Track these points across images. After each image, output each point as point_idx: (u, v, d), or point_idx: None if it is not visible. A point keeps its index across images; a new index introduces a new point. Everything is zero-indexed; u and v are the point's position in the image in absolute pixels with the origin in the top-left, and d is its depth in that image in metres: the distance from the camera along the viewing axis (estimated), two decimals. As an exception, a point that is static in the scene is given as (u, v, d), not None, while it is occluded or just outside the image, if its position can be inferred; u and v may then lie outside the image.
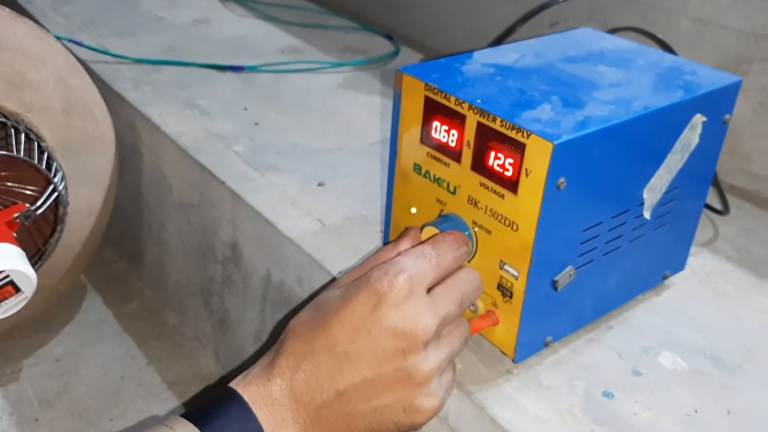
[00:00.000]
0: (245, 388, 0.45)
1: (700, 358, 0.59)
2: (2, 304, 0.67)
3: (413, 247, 0.51)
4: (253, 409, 0.44)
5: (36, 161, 0.73)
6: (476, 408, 0.53)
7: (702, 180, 0.64)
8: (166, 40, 1.15)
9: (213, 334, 0.87)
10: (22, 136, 0.72)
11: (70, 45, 1.04)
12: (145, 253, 0.99)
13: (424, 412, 0.47)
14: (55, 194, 0.76)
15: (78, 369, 0.87)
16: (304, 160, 0.84)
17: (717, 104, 0.60)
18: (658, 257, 0.64)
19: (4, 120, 0.72)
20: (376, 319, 0.45)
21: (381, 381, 0.45)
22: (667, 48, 0.76)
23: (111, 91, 0.96)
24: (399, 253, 0.50)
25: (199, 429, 0.42)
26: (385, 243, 0.64)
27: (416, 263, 0.48)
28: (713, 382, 0.57)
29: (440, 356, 0.47)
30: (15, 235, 0.70)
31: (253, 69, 1.05)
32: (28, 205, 0.73)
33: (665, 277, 0.66)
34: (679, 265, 0.67)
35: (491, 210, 0.53)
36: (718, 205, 0.77)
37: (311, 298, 0.69)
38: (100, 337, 0.92)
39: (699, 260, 0.71)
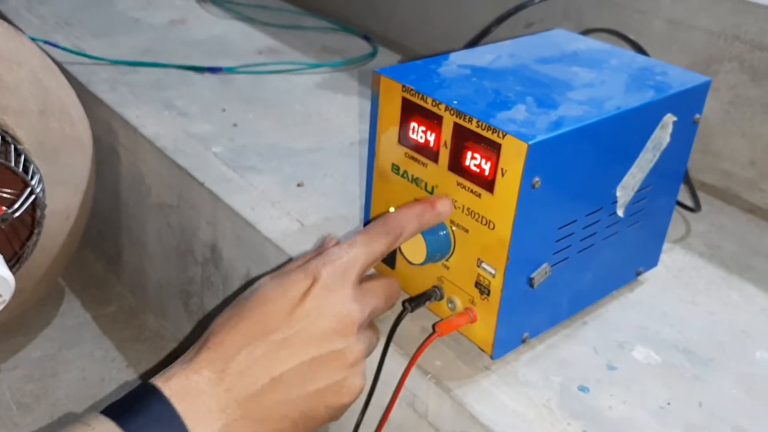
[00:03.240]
0: (166, 382, 0.45)
1: (673, 351, 0.60)
2: (-21, 307, 0.67)
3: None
4: (174, 403, 0.44)
5: (12, 164, 0.73)
6: (455, 404, 0.54)
7: (673, 178, 0.65)
8: (142, 41, 1.15)
9: (193, 336, 0.87)
10: (-1, 138, 0.72)
11: (46, 46, 1.03)
12: (123, 255, 0.99)
13: (354, 392, 0.49)
14: (33, 197, 0.75)
15: (57, 372, 0.87)
16: (284, 160, 0.84)
17: (687, 104, 0.61)
18: (632, 254, 0.65)
19: (-21, 122, 0.72)
20: (312, 303, 0.46)
21: (317, 363, 0.47)
22: (638, 49, 0.77)
23: (87, 92, 0.96)
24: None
25: (118, 425, 0.42)
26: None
27: (349, 251, 0.49)
28: (686, 374, 0.58)
29: (368, 339, 0.51)
30: (-8, 238, 0.70)
31: (231, 70, 1.05)
32: (5, 208, 0.73)
33: (639, 273, 0.67)
34: (652, 262, 0.68)
35: (468, 209, 0.54)
36: (689, 202, 0.79)
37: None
38: (79, 340, 0.92)
39: (671, 256, 0.73)
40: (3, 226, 0.72)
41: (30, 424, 0.80)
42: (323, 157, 0.86)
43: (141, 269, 0.96)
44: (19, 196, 0.76)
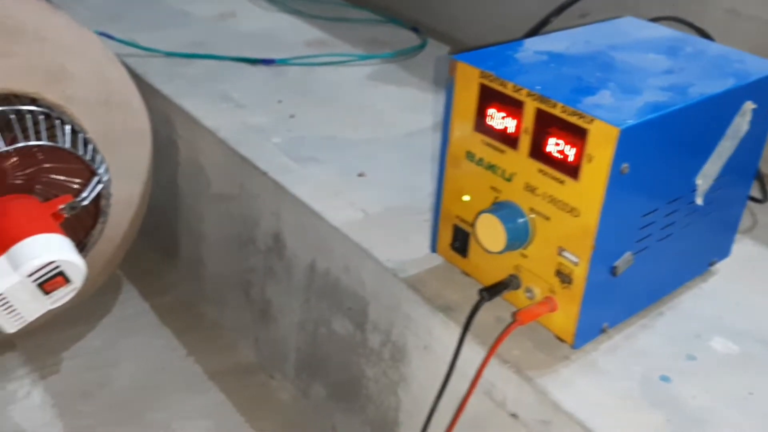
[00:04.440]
0: None
1: (750, 341, 0.60)
2: (52, 294, 0.67)
3: None
4: None
5: (81, 153, 0.73)
6: (537, 393, 0.54)
7: (748, 167, 0.64)
8: (193, 33, 1.15)
9: (253, 325, 0.88)
10: (67, 127, 0.73)
11: (100, 38, 1.04)
12: (180, 245, 1.00)
13: None
14: (100, 186, 0.76)
15: (118, 361, 0.88)
16: (342, 151, 0.85)
17: (765, 92, 0.60)
18: (706, 244, 0.64)
19: (48, 111, 0.72)
20: None
21: None
22: (706, 38, 0.76)
23: (144, 84, 0.96)
24: None
25: None
26: (434, 231, 0.65)
27: None
28: (765, 364, 0.57)
29: None
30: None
31: (283, 62, 1.06)
32: (73, 197, 0.74)
33: (712, 264, 0.66)
34: (724, 252, 0.68)
35: (550, 196, 0.53)
36: (757, 194, 0.77)
37: (358, 286, 0.69)
38: (138, 329, 0.92)
39: (740, 247, 0.71)
40: (71, 215, 0.73)
41: (94, 412, 0.81)
42: (380, 148, 0.86)
43: (198, 259, 0.96)
44: (84, 186, 0.77)
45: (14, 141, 0.69)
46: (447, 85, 0.58)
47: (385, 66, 1.09)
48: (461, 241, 0.61)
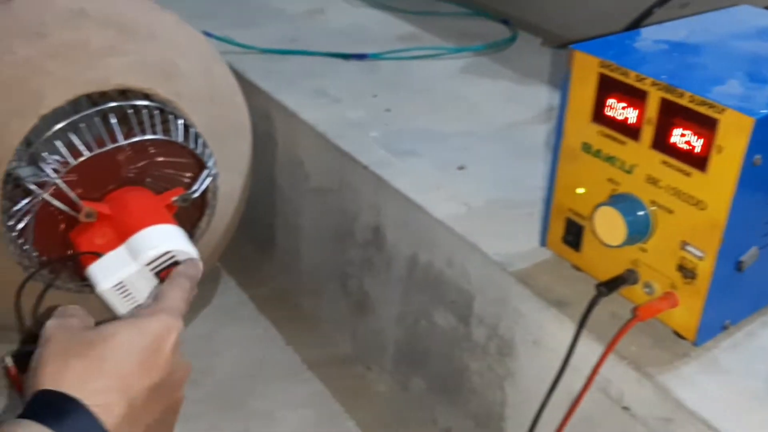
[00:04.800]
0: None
1: None
2: (168, 283, 0.70)
3: None
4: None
5: (192, 147, 0.76)
6: (658, 390, 0.52)
7: None
8: (284, 30, 1.17)
9: (350, 317, 0.89)
10: (180, 122, 0.75)
11: (200, 37, 1.07)
12: (276, 238, 1.02)
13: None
14: (209, 179, 0.78)
15: (220, 350, 0.90)
16: (439, 144, 0.85)
17: None
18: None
19: (162, 106, 0.75)
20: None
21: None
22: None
23: (244, 80, 0.99)
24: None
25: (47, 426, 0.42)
26: (544, 225, 0.64)
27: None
28: None
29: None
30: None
31: (376, 56, 1.06)
32: (184, 189, 0.76)
33: (837, 260, 0.63)
34: None
35: (674, 188, 0.52)
36: None
37: (463, 279, 0.69)
38: (238, 319, 0.95)
39: None
40: (183, 206, 0.75)
41: (200, 399, 0.83)
42: (478, 141, 0.86)
43: (295, 252, 0.98)
44: (193, 179, 0.80)
45: (130, 135, 0.72)
46: (563, 76, 0.57)
47: (477, 59, 1.09)
48: (574, 235, 0.61)
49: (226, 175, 0.86)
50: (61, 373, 0.44)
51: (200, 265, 0.63)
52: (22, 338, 0.64)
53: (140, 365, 0.47)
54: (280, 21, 1.21)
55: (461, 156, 0.81)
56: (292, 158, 0.94)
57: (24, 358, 0.48)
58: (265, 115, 0.96)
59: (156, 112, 0.73)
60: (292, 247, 0.98)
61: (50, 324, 0.47)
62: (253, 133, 0.93)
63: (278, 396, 0.84)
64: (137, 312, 0.51)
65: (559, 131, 0.59)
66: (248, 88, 0.97)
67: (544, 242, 0.64)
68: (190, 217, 0.84)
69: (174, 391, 0.51)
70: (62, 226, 0.72)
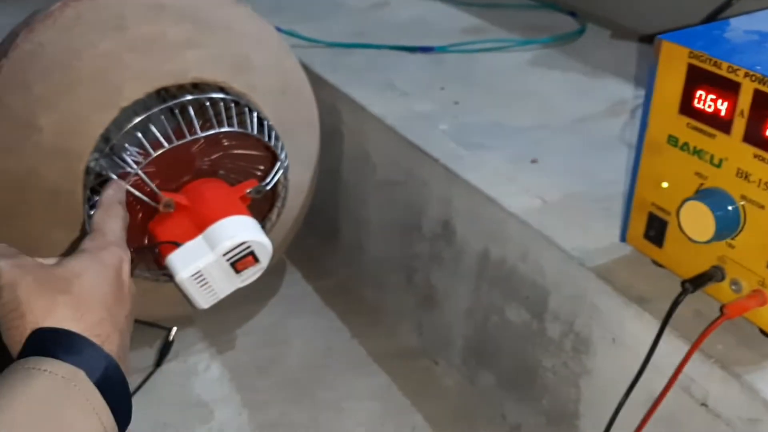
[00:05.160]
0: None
1: None
2: (242, 273, 0.71)
3: None
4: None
5: (266, 139, 0.77)
6: (746, 390, 0.51)
7: None
8: (349, 24, 1.17)
9: (416, 310, 0.89)
10: (255, 115, 0.76)
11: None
12: (341, 230, 1.02)
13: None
14: (281, 172, 0.79)
15: (287, 339, 0.91)
16: (510, 137, 0.84)
17: None
18: None
19: (237, 99, 0.76)
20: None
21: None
22: None
23: (311, 73, 0.99)
24: None
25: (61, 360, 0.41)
26: (624, 220, 0.62)
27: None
28: None
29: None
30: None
31: (442, 49, 1.06)
32: (257, 181, 0.77)
33: None
34: None
35: (766, 183, 0.50)
36: None
37: (537, 274, 0.68)
38: (304, 310, 0.96)
39: None
40: (257, 198, 0.76)
41: (268, 387, 0.84)
42: (550, 135, 0.84)
43: (359, 244, 0.98)
44: (264, 172, 0.80)
45: (206, 127, 0.73)
46: (649, 67, 0.56)
47: (546, 51, 1.07)
48: (656, 230, 0.59)
49: (296, 168, 0.86)
50: (53, 309, 0.44)
51: (124, 186, 0.63)
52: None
53: (114, 297, 0.47)
54: (346, 15, 1.22)
55: (533, 149, 0.80)
56: (358, 151, 0.94)
57: None
58: (332, 108, 0.96)
59: (231, 104, 0.74)
60: (357, 240, 0.99)
61: (4, 264, 0.45)
62: (320, 126, 0.94)
63: (345, 387, 0.84)
64: (86, 246, 0.50)
65: (643, 123, 0.58)
66: (315, 81, 0.98)
67: (624, 237, 0.63)
68: (261, 209, 0.85)
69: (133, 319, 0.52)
70: (140, 216, 0.74)
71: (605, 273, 0.61)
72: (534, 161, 0.78)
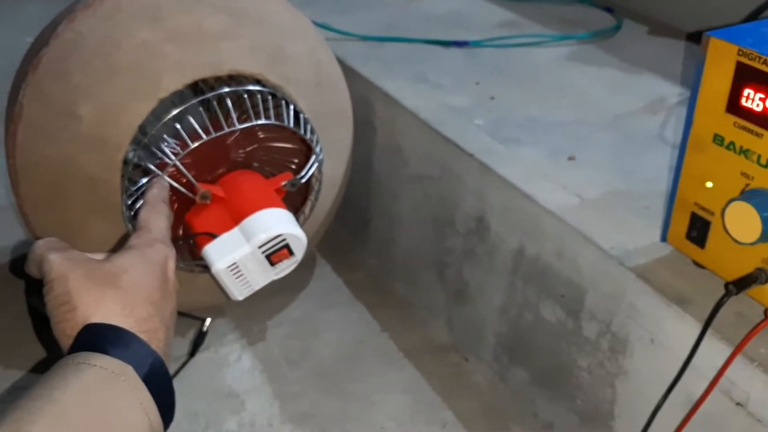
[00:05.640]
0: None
1: None
2: (277, 265, 0.71)
3: None
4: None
5: (301, 132, 0.76)
6: (792, 396, 0.50)
7: None
8: (383, 16, 1.17)
9: (447, 305, 0.88)
10: (292, 108, 0.76)
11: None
12: (371, 224, 1.02)
13: None
14: (316, 164, 0.79)
15: (318, 332, 0.91)
16: (547, 133, 0.83)
17: None
18: None
19: (273, 91, 0.76)
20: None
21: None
22: None
23: (344, 66, 0.99)
24: None
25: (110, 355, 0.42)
26: (666, 219, 0.61)
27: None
28: None
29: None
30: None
31: (477, 44, 1.05)
32: (292, 174, 0.77)
33: None
34: None
35: (817, 185, 0.49)
36: None
37: (574, 272, 0.67)
38: (334, 303, 0.96)
39: None
40: (292, 191, 0.76)
41: (299, 379, 0.84)
42: (587, 131, 0.83)
43: (390, 238, 0.98)
44: (298, 164, 0.80)
45: (242, 119, 0.73)
46: (696, 64, 0.55)
47: (582, 47, 1.06)
48: (699, 231, 0.58)
49: (329, 161, 0.86)
50: (102, 303, 0.44)
51: (167, 184, 0.64)
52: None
53: (160, 292, 0.48)
54: (378, 7, 1.21)
55: (570, 145, 0.79)
56: (391, 144, 0.94)
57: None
58: (365, 102, 0.96)
59: (268, 97, 0.74)
60: (388, 234, 0.98)
61: (56, 258, 0.46)
62: (353, 119, 0.93)
63: (375, 380, 0.84)
64: (132, 243, 0.51)
65: (688, 121, 0.57)
66: (348, 74, 0.98)
67: (664, 237, 0.62)
68: (294, 201, 0.85)
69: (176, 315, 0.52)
70: (176, 207, 0.74)
71: (645, 273, 0.61)
72: (571, 158, 0.77)
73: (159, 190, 0.60)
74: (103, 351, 0.41)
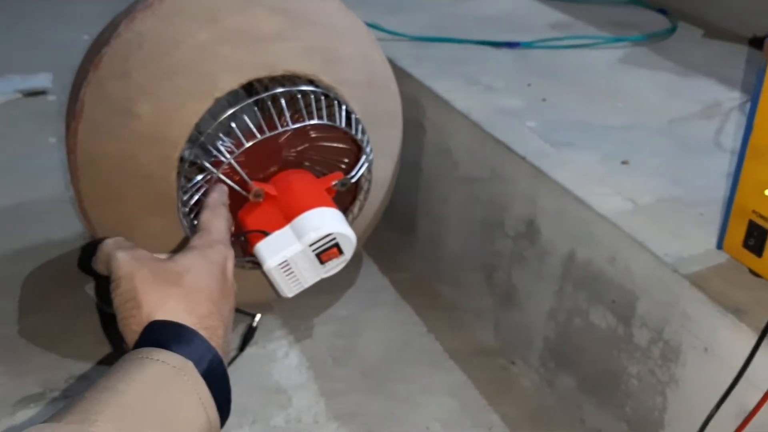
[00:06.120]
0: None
1: None
2: (327, 264, 0.72)
3: None
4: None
5: (353, 132, 0.77)
6: None
7: None
8: (434, 17, 1.17)
9: (494, 309, 0.88)
10: (344, 108, 0.77)
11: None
12: (418, 225, 1.02)
13: None
14: (366, 165, 0.80)
15: (363, 331, 0.92)
16: (600, 137, 0.82)
17: None
18: None
19: (326, 92, 0.76)
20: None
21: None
22: None
23: (395, 67, 0.99)
24: None
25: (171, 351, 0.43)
26: (723, 227, 0.60)
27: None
28: None
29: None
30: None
31: (528, 45, 1.04)
32: (343, 173, 0.78)
33: None
34: None
35: None
36: None
37: (626, 278, 0.67)
38: (380, 303, 0.96)
39: None
40: (342, 190, 0.77)
41: (345, 377, 0.85)
42: (642, 135, 0.82)
43: (437, 240, 0.98)
44: (348, 164, 0.81)
45: (295, 119, 0.74)
46: (758, 69, 0.54)
47: (635, 49, 1.04)
48: (757, 239, 0.57)
49: (378, 162, 0.87)
50: (166, 300, 0.46)
51: (226, 189, 0.65)
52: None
53: (220, 291, 0.49)
54: (428, 7, 1.21)
55: (624, 149, 0.79)
56: (440, 146, 0.94)
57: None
58: (414, 102, 0.96)
59: (321, 97, 0.75)
60: (435, 235, 0.99)
61: (123, 256, 0.48)
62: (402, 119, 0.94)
63: (420, 382, 0.84)
64: (194, 244, 0.52)
65: (748, 128, 0.56)
66: (399, 74, 0.98)
67: (720, 245, 0.61)
68: (343, 201, 0.86)
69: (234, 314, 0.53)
70: (228, 204, 0.75)
71: (699, 281, 0.60)
72: (625, 162, 0.76)
73: (219, 194, 0.61)
74: (166, 347, 0.42)
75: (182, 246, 0.55)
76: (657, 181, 0.73)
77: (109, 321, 0.88)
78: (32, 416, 0.78)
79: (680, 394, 0.63)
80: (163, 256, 0.51)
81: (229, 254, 0.53)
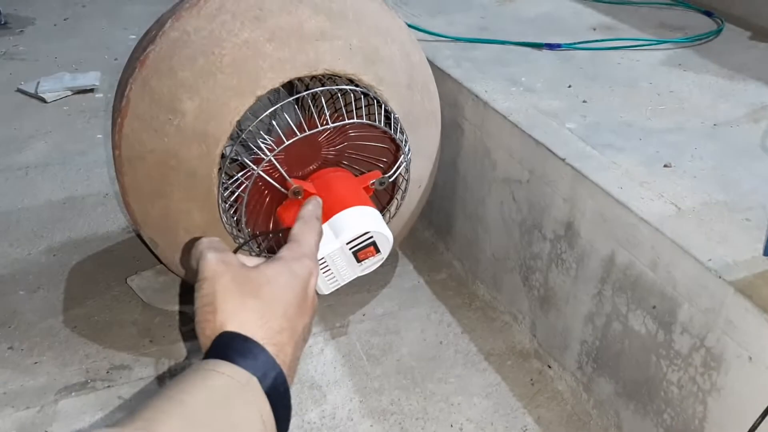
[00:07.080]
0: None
1: None
2: (363, 262, 0.72)
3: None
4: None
5: (392, 132, 0.77)
6: None
7: None
8: (476, 18, 1.17)
9: (531, 311, 0.87)
10: (383, 108, 0.77)
11: (393, 23, 1.08)
12: (455, 226, 1.02)
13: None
14: (404, 164, 0.80)
15: (399, 330, 0.92)
16: (642, 139, 0.81)
17: None
18: None
19: (366, 91, 0.77)
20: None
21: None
22: None
23: (434, 68, 0.99)
24: None
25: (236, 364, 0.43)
26: (769, 233, 0.59)
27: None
28: None
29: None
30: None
31: (570, 46, 1.03)
32: (381, 172, 0.78)
33: None
34: None
35: None
36: None
37: (668, 284, 0.66)
38: (415, 302, 0.96)
39: None
40: (380, 189, 0.77)
41: (380, 375, 0.85)
42: (685, 138, 0.81)
43: (474, 241, 0.98)
44: (386, 163, 0.81)
45: (335, 118, 0.74)
46: (811, 72, 0.52)
47: (679, 51, 1.03)
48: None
49: (417, 161, 0.87)
50: (240, 311, 0.46)
51: (320, 202, 0.64)
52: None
53: (297, 307, 0.49)
54: (470, 9, 1.21)
55: (666, 152, 0.77)
56: (478, 147, 0.93)
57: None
58: (454, 103, 0.96)
59: (361, 96, 0.76)
60: (472, 236, 0.98)
61: (212, 258, 0.48)
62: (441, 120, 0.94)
63: (455, 382, 0.84)
64: (282, 255, 0.52)
65: (798, 132, 0.54)
66: (438, 75, 0.98)
67: (767, 251, 0.59)
68: (380, 200, 0.86)
69: (312, 329, 0.53)
70: (266, 202, 0.76)
71: (745, 288, 0.58)
72: (667, 165, 0.75)
73: (314, 207, 0.61)
74: (233, 361, 0.43)
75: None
76: (701, 185, 0.72)
77: (185, 321, 0.90)
78: (75, 405, 0.80)
79: (722, 403, 0.62)
80: (251, 261, 0.51)
81: (315, 270, 0.52)
